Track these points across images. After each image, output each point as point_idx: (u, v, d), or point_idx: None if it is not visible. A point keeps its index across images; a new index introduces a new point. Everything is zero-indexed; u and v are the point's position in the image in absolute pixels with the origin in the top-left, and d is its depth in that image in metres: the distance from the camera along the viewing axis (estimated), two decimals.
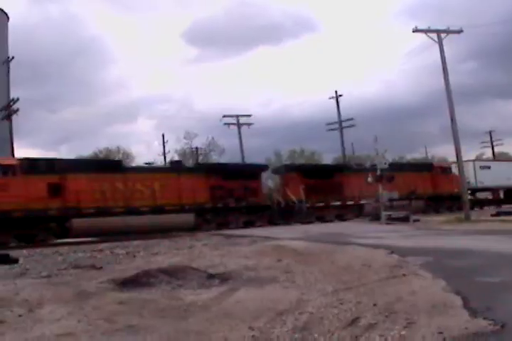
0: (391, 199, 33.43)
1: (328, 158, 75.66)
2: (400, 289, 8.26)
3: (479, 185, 49.36)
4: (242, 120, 56.59)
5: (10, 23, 53.72)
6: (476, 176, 48.51)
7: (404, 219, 29.69)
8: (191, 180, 31.48)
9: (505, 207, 42.00)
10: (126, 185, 29.16)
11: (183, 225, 29.78)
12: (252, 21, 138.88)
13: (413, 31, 31.72)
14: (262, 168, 38.83)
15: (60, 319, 7.28)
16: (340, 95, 56.49)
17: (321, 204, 36.99)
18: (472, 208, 42.02)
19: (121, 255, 16.84)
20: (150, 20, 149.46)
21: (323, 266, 11.71)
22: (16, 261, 15.16)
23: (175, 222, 29.32)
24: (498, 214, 31.66)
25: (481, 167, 49.82)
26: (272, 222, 33.99)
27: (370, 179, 33.39)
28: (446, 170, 45.48)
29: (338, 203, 37.97)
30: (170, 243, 21.39)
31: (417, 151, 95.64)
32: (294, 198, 35.07)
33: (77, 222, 26.62)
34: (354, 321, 6.42)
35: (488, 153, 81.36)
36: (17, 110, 39.54)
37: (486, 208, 45.96)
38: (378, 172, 31.99)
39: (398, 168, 40.72)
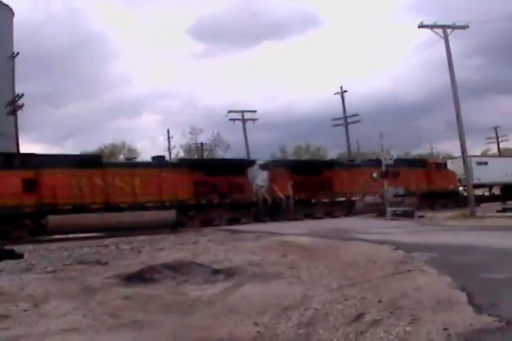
0: (397, 195, 33.29)
1: (333, 154, 75.66)
2: (404, 285, 8.25)
3: (476, 182, 47.83)
4: (247, 115, 56.56)
5: (15, 19, 53.86)
6: (472, 172, 48.08)
7: (409, 215, 29.66)
8: (173, 175, 30.83)
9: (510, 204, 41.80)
10: (105, 180, 28.45)
11: (164, 222, 29.13)
12: (257, 17, 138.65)
13: (419, 27, 31.61)
14: (248, 163, 37.86)
15: (66, 314, 7.30)
16: (345, 91, 56.50)
17: (310, 200, 36.40)
18: (466, 205, 42.01)
19: (126, 250, 16.88)
20: (154, 15, 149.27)
21: (329, 262, 11.71)
22: (21, 256, 15.19)
23: (156, 218, 28.55)
24: (503, 210, 31.57)
25: (477, 163, 49.24)
26: (258, 219, 33.31)
27: (375, 175, 33.36)
28: (440, 166, 45.27)
29: (328, 200, 37.40)
30: (175, 238, 21.44)
31: (423, 147, 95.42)
32: (281, 195, 34.45)
33: (53, 219, 25.75)
34: (359, 317, 6.42)
35: (493, 148, 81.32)
36: (22, 105, 39.59)
37: (483, 205, 44.39)
38: (383, 168, 31.92)
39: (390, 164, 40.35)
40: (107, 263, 13.37)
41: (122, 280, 10.13)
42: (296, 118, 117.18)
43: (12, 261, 14.05)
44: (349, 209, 37.60)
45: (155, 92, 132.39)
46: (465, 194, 50.18)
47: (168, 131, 70.89)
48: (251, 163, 38.58)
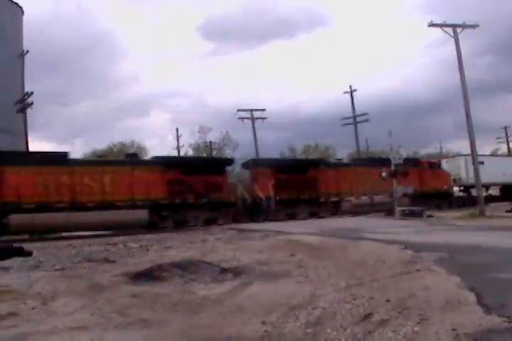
0: (404, 194, 33.11)
1: (342, 153, 75.48)
2: (413, 285, 8.22)
3: (471, 181, 45.96)
4: (256, 114, 56.50)
5: (25, 17, 54.03)
6: (467, 172, 46.54)
7: (418, 215, 29.60)
8: (146, 174, 29.70)
9: None
10: (72, 178, 27.31)
11: (135, 222, 28.42)
12: (265, 16, 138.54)
13: (429, 25, 31.55)
14: (227, 161, 37.22)
15: (74, 312, 7.32)
16: (354, 90, 56.38)
17: (293, 200, 35.13)
18: (464, 205, 41.53)
19: (134, 248, 16.92)
20: (163, 14, 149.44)
21: (337, 261, 11.69)
22: (29, 253, 15.26)
23: (126, 218, 27.62)
24: None
25: None
26: (237, 220, 32.25)
27: (384, 174, 33.30)
28: (434, 166, 44.39)
29: (312, 200, 36.19)
30: (183, 237, 21.47)
31: (432, 146, 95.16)
32: (261, 194, 33.64)
33: (15, 218, 24.79)
34: (367, 317, 6.40)
35: (503, 148, 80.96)
36: (31, 103, 39.65)
37: (492, 205, 42.13)
38: (392, 168, 31.84)
39: (380, 162, 39.32)
40: (115, 261, 13.40)
41: (130, 278, 10.14)
42: (305, 117, 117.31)
43: (20, 259, 14.12)
44: (335, 209, 36.76)
45: (164, 91, 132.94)
46: (460, 194, 49.80)
47: (177, 129, 70.96)
48: (230, 161, 38.07)
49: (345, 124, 57.17)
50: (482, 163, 47.83)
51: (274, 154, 64.59)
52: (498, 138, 79.08)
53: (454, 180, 46.82)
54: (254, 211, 33.60)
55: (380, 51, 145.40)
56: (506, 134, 77.20)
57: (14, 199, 25.37)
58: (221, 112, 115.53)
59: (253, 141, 56.27)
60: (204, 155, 67.50)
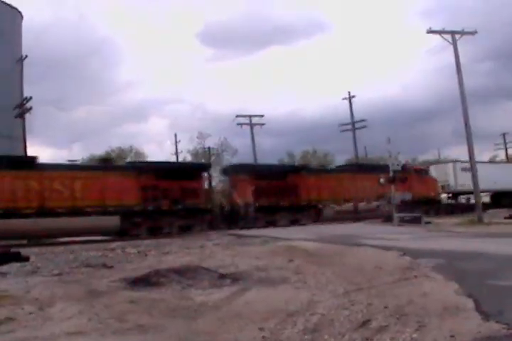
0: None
1: (340, 159, 75.48)
2: (411, 291, 8.21)
3: (459, 188, 46.68)
4: (254, 120, 56.51)
5: (24, 22, 54.09)
6: (456, 179, 46.45)
7: (416, 221, 29.59)
8: (119, 179, 28.70)
9: None
10: (41, 183, 26.35)
11: (106, 229, 27.74)
12: (264, 22, 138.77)
13: (427, 32, 31.58)
14: (204, 167, 36.49)
15: (71, 317, 7.30)
16: (353, 96, 56.44)
17: (272, 207, 34.26)
18: (452, 212, 41.21)
19: (132, 254, 16.89)
20: (162, 20, 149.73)
21: (335, 268, 11.68)
22: (27, 259, 15.22)
23: (96, 225, 26.78)
24: (511, 216, 31.44)
25: (462, 169, 46.72)
26: (213, 227, 31.37)
27: (382, 180, 33.26)
28: (421, 172, 43.78)
29: (293, 207, 35.36)
30: (182, 242, 21.42)
31: (430, 153, 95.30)
32: (240, 201, 33.10)
33: None
34: (365, 323, 6.39)
35: (501, 155, 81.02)
36: (30, 108, 39.70)
37: (490, 211, 40.87)
38: (391, 174, 31.82)
39: (365, 169, 39.10)
40: (112, 266, 13.39)
41: (128, 283, 10.13)
42: (303, 123, 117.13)
43: (18, 264, 14.08)
44: (316, 216, 36.09)
45: (163, 97, 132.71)
46: (449, 201, 49.24)
47: (175, 135, 71.04)
48: (206, 167, 37.13)
49: (343, 131, 57.23)
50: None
51: (272, 160, 64.59)
52: (496, 144, 79.23)
53: (442, 187, 46.23)
54: (232, 218, 32.93)
55: (380, 58, 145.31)
56: (505, 141, 77.28)
57: None
58: (220, 118, 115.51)
59: (251, 147, 56.33)
60: (203, 160, 67.42)
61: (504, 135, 77.06)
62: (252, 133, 56.08)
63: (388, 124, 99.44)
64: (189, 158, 74.11)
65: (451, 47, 31.83)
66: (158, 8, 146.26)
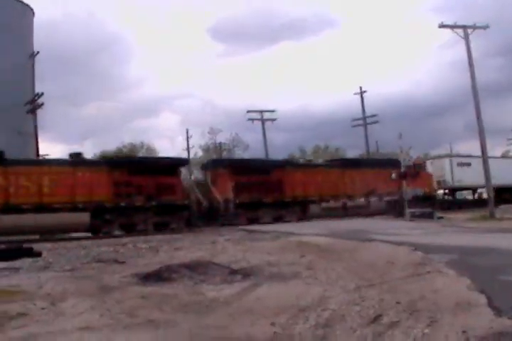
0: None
1: (352, 155, 75.34)
2: (423, 287, 8.17)
3: (456, 184, 45.85)
4: (266, 115, 56.42)
5: (35, 18, 54.18)
6: (452, 174, 45.40)
7: (428, 216, 29.49)
8: (90, 175, 27.79)
9: None
10: (7, 179, 25.54)
11: (75, 226, 26.79)
12: (275, 17, 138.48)
13: (439, 27, 31.42)
14: (181, 162, 35.03)
15: (83, 312, 7.32)
16: (364, 91, 56.28)
17: (254, 204, 32.91)
18: (449, 209, 40.54)
19: (144, 249, 16.93)
20: (173, 16, 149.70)
21: (346, 263, 11.65)
22: (39, 254, 15.30)
23: (65, 222, 25.79)
24: None
25: (458, 164, 46.63)
26: (191, 224, 30.37)
27: (393, 175, 33.11)
28: (415, 167, 41.44)
29: (277, 203, 33.93)
30: (193, 238, 21.45)
31: (442, 147, 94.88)
32: (219, 197, 31.87)
33: None
34: (377, 318, 6.37)
35: None
36: (42, 104, 39.89)
37: (502, 207, 40.35)
38: (403, 169, 31.71)
39: (354, 164, 38.05)
40: (124, 262, 13.42)
41: (140, 279, 10.15)
42: (315, 118, 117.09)
43: (30, 260, 14.15)
44: (302, 213, 34.84)
45: (174, 92, 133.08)
46: (446, 198, 48.14)
47: (187, 130, 71.07)
48: (184, 162, 36.26)
49: (355, 126, 57.09)
50: (469, 164, 45.54)
51: (284, 155, 64.25)
52: (509, 139, 78.84)
53: (438, 183, 45.05)
54: (211, 215, 31.88)
55: (392, 52, 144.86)
56: None
57: None
58: (231, 113, 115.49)
59: (263, 142, 56.27)
60: (214, 156, 67.39)
61: None
62: (263, 128, 56.03)
63: (400, 119, 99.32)
64: (200, 154, 74.30)
65: (463, 42, 31.67)
66: (168, 4, 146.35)
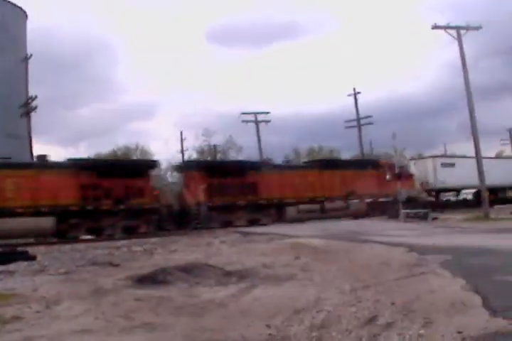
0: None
1: (346, 156, 75.39)
2: (418, 288, 8.20)
3: (439, 185, 44.71)
4: (260, 117, 56.33)
5: (28, 21, 54.09)
6: (436, 175, 44.27)
7: (423, 217, 29.56)
8: (54, 177, 26.86)
9: None
10: None
11: (39, 231, 25.91)
12: (269, 18, 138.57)
13: (432, 28, 31.50)
14: (150, 164, 33.96)
15: (78, 316, 7.30)
16: (358, 92, 56.29)
17: (228, 207, 32.11)
18: (432, 210, 40.35)
19: (138, 252, 16.92)
20: (168, 17, 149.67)
21: (342, 264, 11.67)
22: (34, 257, 15.26)
23: (27, 227, 24.80)
24: None
25: (442, 164, 45.60)
26: (162, 228, 29.66)
27: (388, 176, 33.15)
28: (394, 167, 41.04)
29: (252, 206, 33.07)
30: (188, 240, 21.44)
31: (436, 148, 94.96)
32: (191, 200, 31.17)
33: None
34: (372, 320, 6.38)
35: (508, 150, 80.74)
36: (35, 107, 39.82)
37: (496, 207, 39.63)
38: (396, 170, 31.78)
39: (333, 165, 37.29)
40: (119, 264, 13.39)
41: (134, 282, 10.13)
42: (309, 120, 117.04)
43: (25, 263, 14.12)
44: (278, 216, 33.93)
45: (169, 94, 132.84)
46: (429, 199, 47.17)
47: (181, 133, 70.79)
48: (153, 164, 34.86)
49: (348, 127, 57.13)
50: (453, 165, 44.85)
51: (278, 157, 64.32)
52: (502, 139, 78.94)
53: (421, 184, 43.79)
54: (182, 218, 31.16)
55: (387, 53, 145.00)
56: (511, 136, 77.00)
57: None
58: (225, 115, 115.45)
59: (257, 144, 56.21)
60: (208, 158, 67.30)
61: (510, 131, 76.84)
62: (257, 130, 55.97)
63: (395, 120, 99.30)
64: (195, 156, 74.15)
65: (463, 42, 31.71)
66: (165, 6, 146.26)
